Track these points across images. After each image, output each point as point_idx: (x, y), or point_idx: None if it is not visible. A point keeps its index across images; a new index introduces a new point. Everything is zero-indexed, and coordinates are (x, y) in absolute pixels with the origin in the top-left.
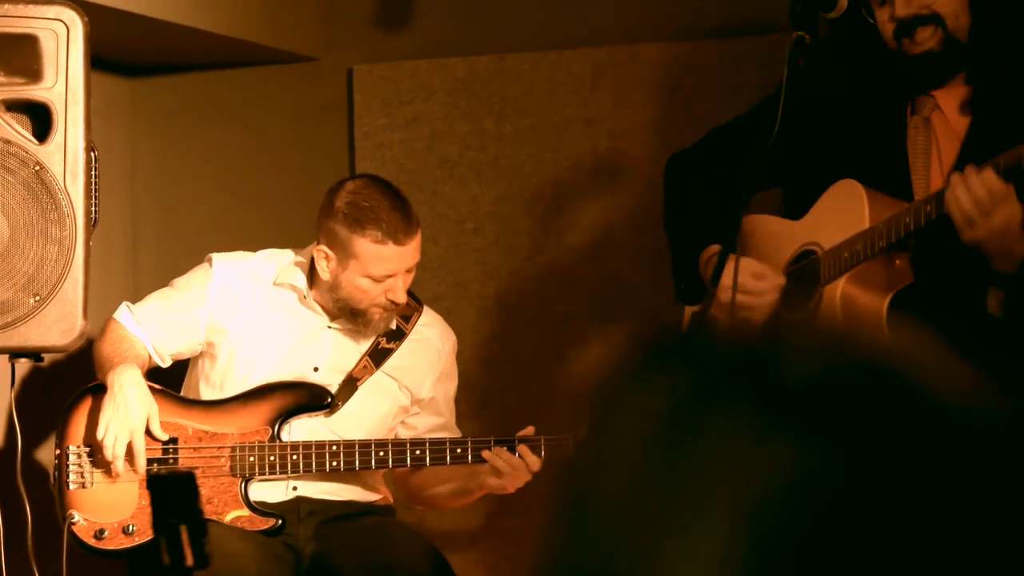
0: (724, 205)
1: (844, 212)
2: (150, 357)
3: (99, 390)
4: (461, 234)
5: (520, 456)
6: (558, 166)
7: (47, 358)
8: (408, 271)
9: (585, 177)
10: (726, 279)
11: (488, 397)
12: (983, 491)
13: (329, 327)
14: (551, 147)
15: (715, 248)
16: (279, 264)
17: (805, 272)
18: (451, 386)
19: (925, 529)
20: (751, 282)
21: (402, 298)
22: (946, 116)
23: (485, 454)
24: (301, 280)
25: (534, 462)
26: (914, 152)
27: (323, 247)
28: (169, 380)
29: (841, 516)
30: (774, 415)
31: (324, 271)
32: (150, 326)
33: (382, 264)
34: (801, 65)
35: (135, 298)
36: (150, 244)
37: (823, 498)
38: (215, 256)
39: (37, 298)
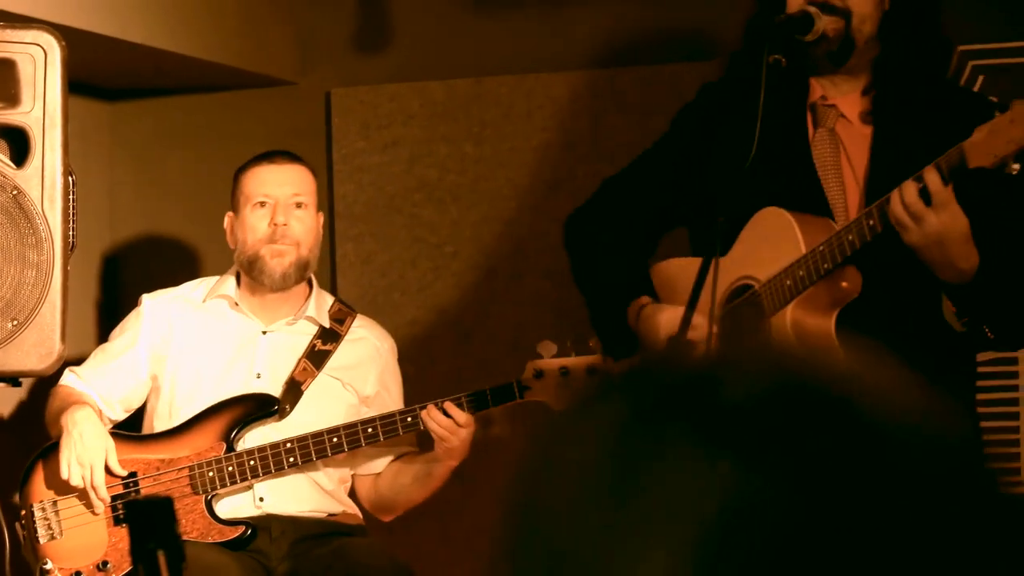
0: (637, 254)
1: (776, 241)
2: (101, 412)
3: (54, 449)
4: (440, 257)
5: (448, 414)
6: (536, 190)
7: (24, 382)
8: (296, 203)
9: (564, 200)
10: (663, 332)
11: None
12: (927, 514)
13: (264, 332)
14: (530, 171)
15: (643, 299)
16: (208, 285)
17: (746, 306)
18: (395, 386)
19: (870, 551)
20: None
21: (284, 220)
22: (852, 124)
23: (422, 414)
24: (231, 288)
25: (461, 417)
26: (824, 165)
27: (229, 212)
28: (126, 426)
29: (785, 537)
30: (718, 437)
31: (230, 238)
32: (94, 379)
33: (260, 185)
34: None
35: (113, 323)
36: (129, 268)
37: (767, 520)
38: (145, 296)
39: (15, 322)
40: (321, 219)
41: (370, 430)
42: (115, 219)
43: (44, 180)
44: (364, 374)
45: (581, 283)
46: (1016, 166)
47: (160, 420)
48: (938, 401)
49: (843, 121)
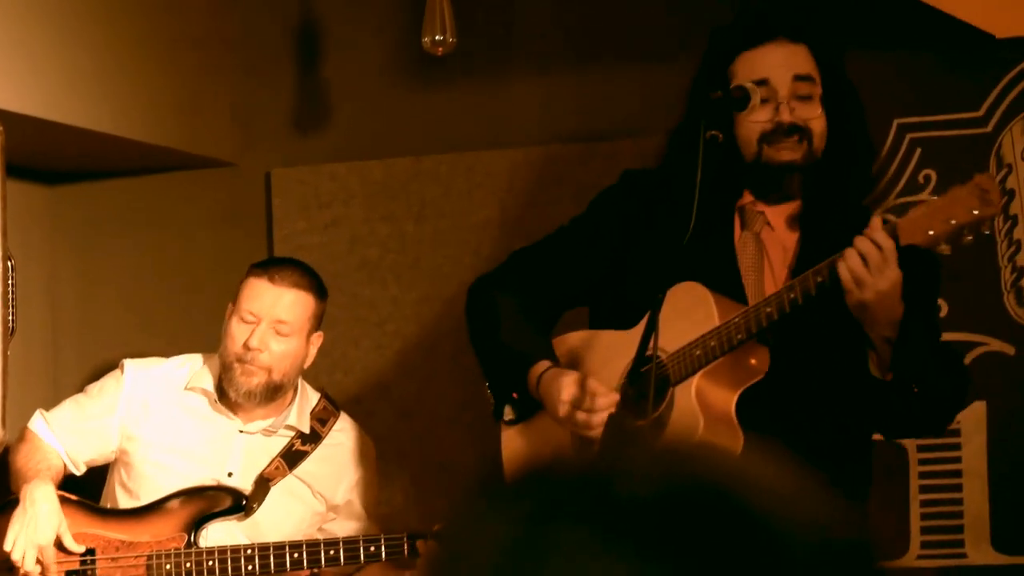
0: (540, 323)
1: (690, 313)
2: (64, 466)
3: (14, 505)
4: (382, 336)
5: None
6: (477, 267)
7: None
8: (279, 330)
9: None
10: (564, 395)
11: (409, 499)
12: None
13: (241, 431)
14: (470, 248)
15: (544, 364)
16: (192, 368)
17: (649, 376)
18: (369, 492)
19: None
20: (588, 399)
21: (256, 345)
22: (775, 231)
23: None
24: (211, 383)
25: None
26: (746, 267)
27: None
28: (90, 485)
29: None
30: (614, 534)
31: (224, 333)
32: (63, 434)
33: (251, 299)
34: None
35: (52, 405)
36: (70, 352)
37: None
38: (127, 362)
39: None
40: (318, 340)
41: (332, 552)
42: (55, 303)
43: None
44: (335, 484)
45: (480, 346)
46: (947, 247)
47: (126, 497)
48: (834, 502)
49: (768, 228)
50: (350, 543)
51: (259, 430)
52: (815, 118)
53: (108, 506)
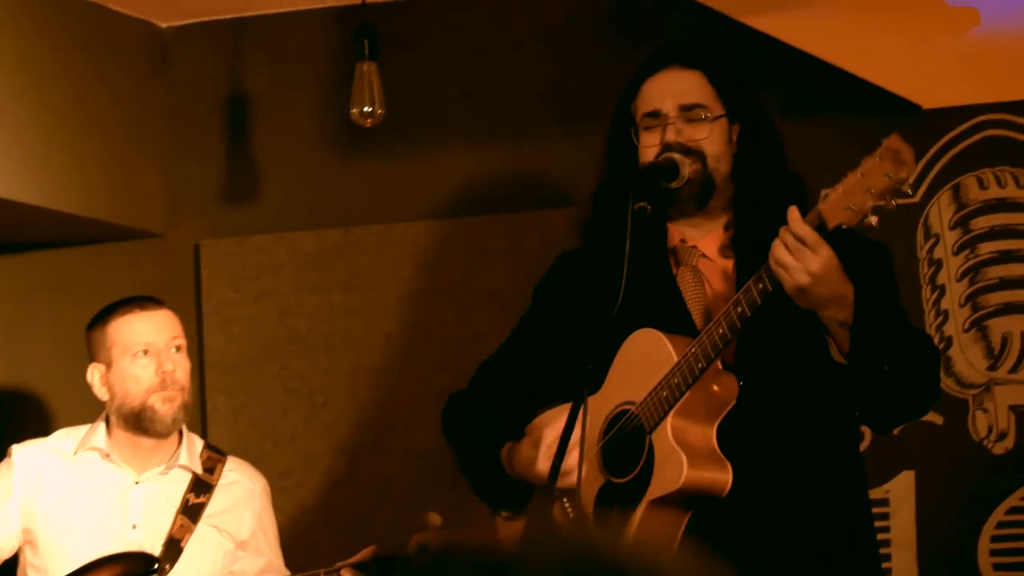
0: (512, 433)
1: (648, 358)
2: None
3: None
4: (312, 408)
5: None
6: (407, 338)
7: None
8: (175, 347)
9: (434, 348)
10: (533, 453)
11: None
12: None
13: (137, 483)
14: (400, 319)
15: (504, 449)
16: (77, 436)
17: (626, 430)
18: (270, 527)
19: None
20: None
21: (172, 367)
22: (712, 261)
23: None
24: (101, 440)
25: None
26: (690, 300)
27: (93, 364)
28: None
29: None
30: None
31: (101, 390)
32: None
33: (137, 333)
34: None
35: None
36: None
37: None
38: (14, 447)
39: None
40: None
41: None
42: None
43: None
44: (239, 517)
45: (463, 467)
46: (874, 218)
47: (36, 574)
48: None
49: (704, 259)
50: None
51: (153, 476)
52: (704, 138)
53: None
